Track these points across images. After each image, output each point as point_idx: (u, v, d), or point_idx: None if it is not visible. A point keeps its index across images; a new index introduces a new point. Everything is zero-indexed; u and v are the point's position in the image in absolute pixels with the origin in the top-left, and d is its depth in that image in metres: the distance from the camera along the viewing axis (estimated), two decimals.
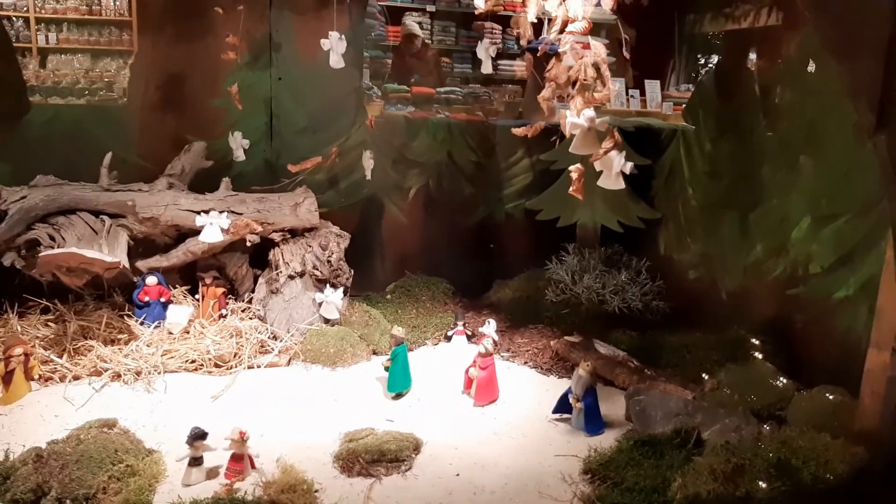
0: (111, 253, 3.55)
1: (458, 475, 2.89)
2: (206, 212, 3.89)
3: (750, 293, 4.13)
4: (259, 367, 3.65)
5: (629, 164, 3.34)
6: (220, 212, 3.90)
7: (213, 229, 3.85)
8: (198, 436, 2.77)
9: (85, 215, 3.76)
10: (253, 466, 2.84)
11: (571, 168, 3.30)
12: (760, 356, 3.74)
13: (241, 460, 2.80)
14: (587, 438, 3.19)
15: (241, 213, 3.99)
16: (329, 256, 4.08)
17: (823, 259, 3.58)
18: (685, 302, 4.46)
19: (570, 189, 3.29)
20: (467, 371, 3.57)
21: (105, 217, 3.78)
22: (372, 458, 2.90)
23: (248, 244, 3.96)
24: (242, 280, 4.15)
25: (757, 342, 3.85)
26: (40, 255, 3.40)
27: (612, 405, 3.46)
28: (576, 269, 4.57)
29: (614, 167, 3.24)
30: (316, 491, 2.74)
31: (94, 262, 3.38)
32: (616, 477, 2.83)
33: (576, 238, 4.90)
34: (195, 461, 2.77)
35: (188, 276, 4.10)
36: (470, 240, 4.98)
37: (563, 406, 3.34)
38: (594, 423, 3.24)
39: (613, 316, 4.29)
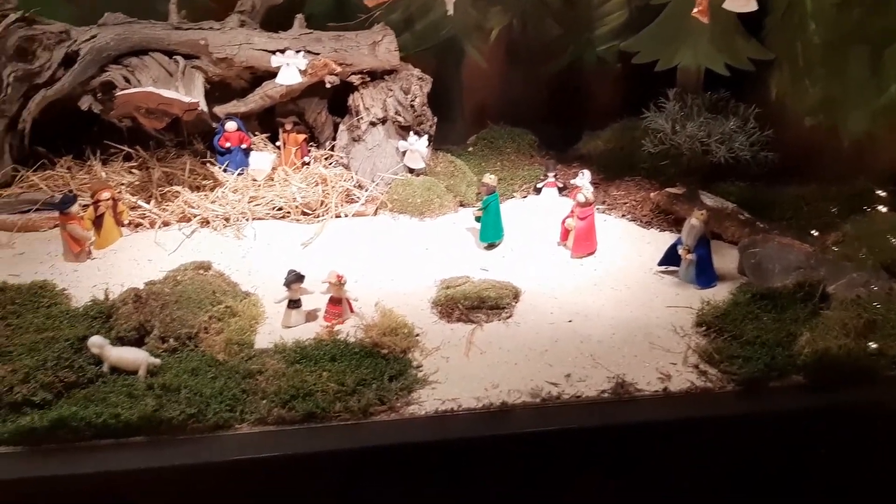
0: (188, 95, 3.37)
1: (570, 321, 2.76)
2: (282, 52, 3.63)
3: (878, 140, 3.70)
4: (346, 216, 3.52)
5: None
6: (297, 51, 3.63)
7: (291, 70, 3.60)
8: (295, 278, 2.70)
9: (158, 56, 3.56)
10: (352, 310, 2.77)
11: None
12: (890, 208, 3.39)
13: (339, 304, 2.73)
14: (698, 291, 2.99)
15: (317, 53, 3.71)
16: (412, 101, 3.80)
17: None
18: (798, 152, 4.04)
19: (694, 10, 2.88)
20: (564, 222, 3.36)
21: (178, 58, 3.57)
22: (472, 305, 2.79)
23: (328, 86, 3.71)
24: (322, 127, 3.94)
25: (885, 193, 3.49)
26: (118, 94, 3.25)
27: (722, 258, 3.21)
28: (677, 116, 4.17)
29: None
30: (417, 335, 2.66)
31: (172, 103, 3.22)
32: (734, 330, 2.64)
33: (675, 83, 4.44)
34: (294, 304, 2.72)
35: (266, 124, 3.91)
36: (557, 87, 4.59)
37: (670, 258, 3.12)
38: (706, 275, 3.02)
39: (718, 167, 3.93)
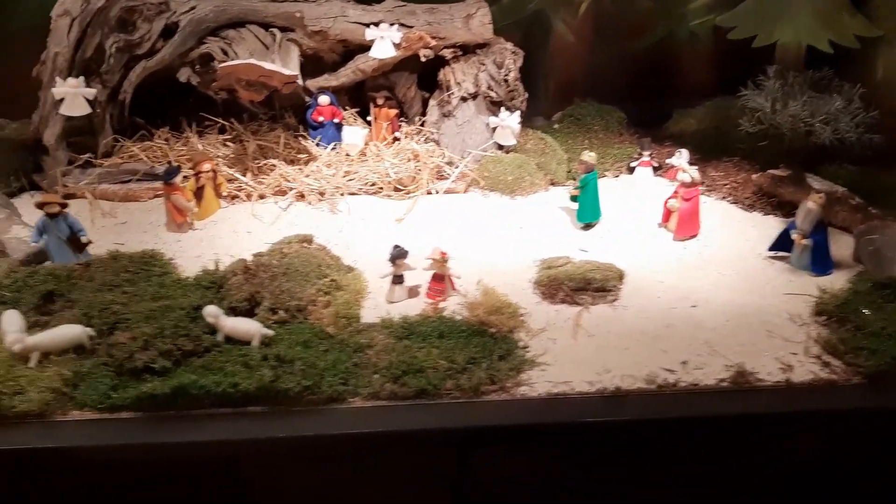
0: (285, 68, 3.36)
1: (694, 307, 2.68)
2: (376, 24, 3.59)
3: None
4: (437, 192, 3.48)
5: None
6: (391, 24, 3.58)
7: (385, 44, 3.56)
8: (400, 254, 2.68)
9: (255, 28, 3.55)
10: (454, 288, 2.74)
11: None
12: None
13: (442, 281, 2.71)
14: (812, 278, 2.86)
15: (411, 26, 3.65)
16: (505, 75, 3.72)
17: None
18: None
19: None
20: (666, 202, 3.26)
21: (275, 30, 3.56)
22: (576, 286, 2.73)
23: (423, 59, 3.66)
24: (412, 102, 3.90)
25: None
26: (220, 65, 3.26)
27: (833, 245, 3.05)
28: (777, 95, 3.97)
29: None
30: (521, 315, 2.62)
31: (272, 76, 3.21)
32: (857, 320, 2.52)
33: (774, 61, 4.23)
34: (397, 279, 2.70)
35: (355, 98, 3.89)
36: (647, 63, 4.43)
37: (782, 243, 3.00)
38: (822, 261, 2.89)
39: (822, 149, 3.74)
